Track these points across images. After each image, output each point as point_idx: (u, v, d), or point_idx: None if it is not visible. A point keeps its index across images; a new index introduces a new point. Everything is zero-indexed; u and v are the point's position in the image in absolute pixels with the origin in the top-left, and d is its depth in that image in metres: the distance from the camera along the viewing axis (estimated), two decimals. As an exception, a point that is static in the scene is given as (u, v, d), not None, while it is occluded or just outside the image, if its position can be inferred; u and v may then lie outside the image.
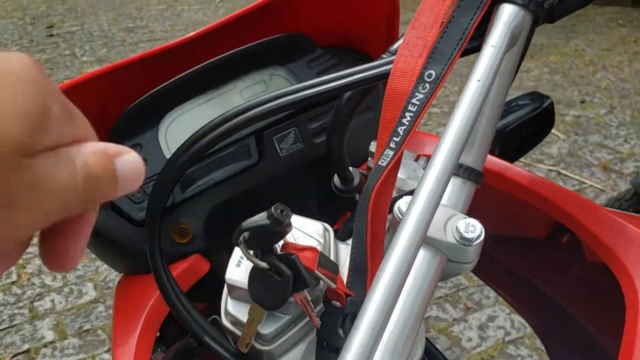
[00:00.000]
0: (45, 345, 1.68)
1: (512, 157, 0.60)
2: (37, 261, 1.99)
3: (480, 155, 0.42)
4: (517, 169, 0.53)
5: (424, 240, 0.32)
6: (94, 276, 1.93)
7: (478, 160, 0.41)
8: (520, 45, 0.44)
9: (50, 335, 1.70)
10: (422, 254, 0.35)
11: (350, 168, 0.51)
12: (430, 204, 0.31)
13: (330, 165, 0.49)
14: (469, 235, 0.36)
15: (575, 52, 3.66)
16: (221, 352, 0.41)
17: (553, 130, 2.71)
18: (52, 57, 3.93)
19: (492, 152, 0.51)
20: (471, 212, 0.52)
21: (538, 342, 1.62)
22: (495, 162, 0.54)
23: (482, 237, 0.36)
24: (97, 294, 1.86)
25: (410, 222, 0.30)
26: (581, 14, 4.43)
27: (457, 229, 0.37)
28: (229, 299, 0.39)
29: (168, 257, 0.43)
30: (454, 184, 0.40)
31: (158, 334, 0.49)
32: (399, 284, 0.29)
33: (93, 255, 1.98)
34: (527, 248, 0.58)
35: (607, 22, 4.26)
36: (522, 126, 0.58)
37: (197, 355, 0.47)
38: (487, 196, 0.50)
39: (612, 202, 1.47)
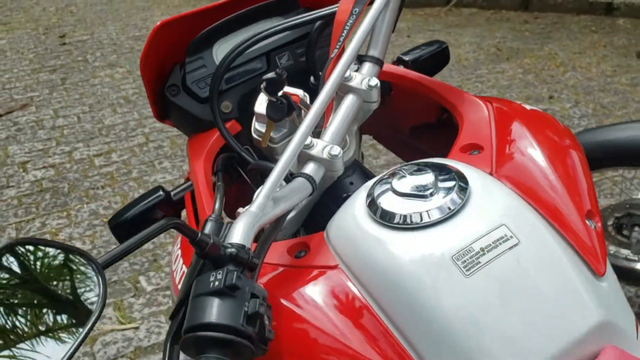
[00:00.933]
0: (80, 293, 1.97)
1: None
2: (68, 230, 2.29)
3: (381, 50, 0.70)
4: (417, 74, 0.82)
5: (343, 87, 0.63)
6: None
7: (380, 52, 0.71)
8: None
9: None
10: (350, 97, 0.65)
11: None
12: (346, 65, 0.62)
13: (307, 69, 0.79)
14: (373, 84, 0.65)
15: (548, 55, 3.99)
16: (248, 155, 0.70)
17: (521, 120, 3.04)
18: (67, 63, 4.24)
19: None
20: (394, 111, 0.83)
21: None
22: (406, 71, 0.84)
23: (378, 84, 0.66)
24: (122, 254, 2.16)
25: (335, 73, 0.61)
26: (558, 22, 4.78)
27: (368, 83, 0.66)
28: (256, 122, 0.69)
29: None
30: (366, 65, 0.69)
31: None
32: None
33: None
34: (426, 130, 0.88)
35: (581, 29, 4.59)
36: (428, 58, 0.89)
37: (236, 163, 0.76)
38: (402, 99, 0.81)
39: None
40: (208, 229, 0.54)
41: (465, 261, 0.49)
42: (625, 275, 1.88)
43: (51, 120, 3.38)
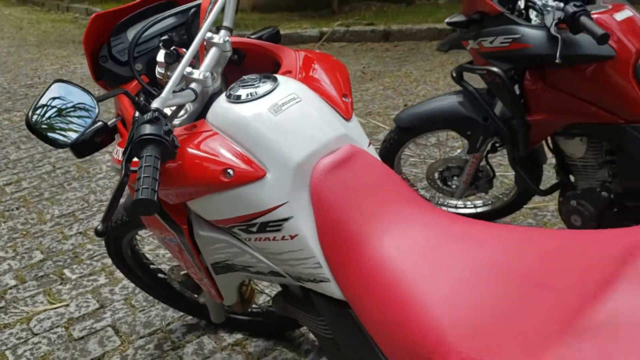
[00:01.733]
0: (10, 288, 2.26)
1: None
2: (-9, 241, 2.55)
3: (230, 22, 1.16)
4: (258, 41, 1.30)
5: (209, 44, 1.10)
6: (40, 246, 2.52)
7: (229, 23, 1.16)
8: None
9: (12, 282, 2.28)
10: (213, 48, 1.11)
11: None
12: (206, 29, 1.08)
13: (188, 40, 1.25)
14: (226, 40, 1.13)
15: (404, 74, 4.71)
16: (152, 89, 1.16)
17: (380, 123, 3.65)
18: (-38, 111, 4.41)
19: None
20: (249, 69, 1.31)
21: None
22: (252, 40, 1.32)
23: (229, 39, 1.13)
24: (44, 256, 2.46)
25: (200, 33, 1.08)
26: (414, 48, 5.59)
27: (223, 39, 1.13)
28: (158, 67, 1.11)
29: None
30: (222, 31, 1.12)
31: None
32: None
33: (37, 235, 2.57)
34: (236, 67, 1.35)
35: (432, 52, 5.39)
36: (265, 37, 1.38)
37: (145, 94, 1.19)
38: (251, 59, 1.29)
39: (383, 143, 2.33)
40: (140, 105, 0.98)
41: (275, 109, 0.96)
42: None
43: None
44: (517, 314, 0.74)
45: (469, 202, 2.46)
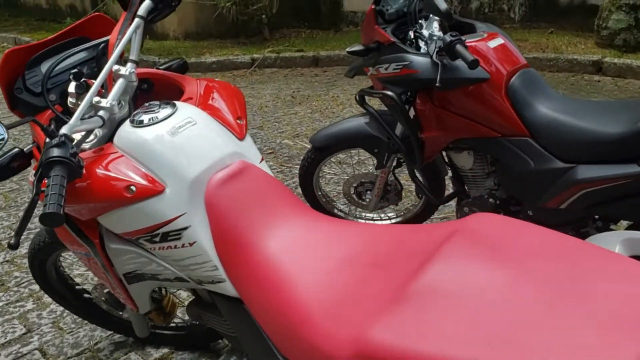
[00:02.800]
0: None
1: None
2: None
3: (135, 55, 1.31)
4: (165, 72, 1.45)
5: (117, 75, 1.24)
6: (-35, 276, 2.53)
7: (135, 56, 1.30)
8: (142, 29, 1.33)
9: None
10: (120, 79, 1.25)
11: None
12: (112, 62, 1.22)
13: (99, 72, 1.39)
14: (131, 71, 1.28)
15: (332, 98, 4.93)
16: (64, 117, 1.27)
17: (307, 145, 3.83)
18: None
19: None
20: (158, 96, 1.45)
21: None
22: (159, 71, 1.46)
23: (134, 71, 1.28)
24: None
25: (106, 67, 1.22)
26: (341, 73, 5.84)
27: (129, 70, 1.28)
28: (69, 97, 1.23)
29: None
30: (128, 63, 1.27)
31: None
32: None
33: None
34: (145, 95, 1.51)
35: (358, 76, 5.65)
36: (173, 68, 1.52)
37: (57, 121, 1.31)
38: (159, 87, 1.43)
39: (301, 163, 2.50)
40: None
41: (172, 132, 1.10)
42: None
43: None
44: (362, 291, 0.91)
45: (383, 214, 2.65)
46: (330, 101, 4.84)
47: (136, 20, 1.29)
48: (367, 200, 2.50)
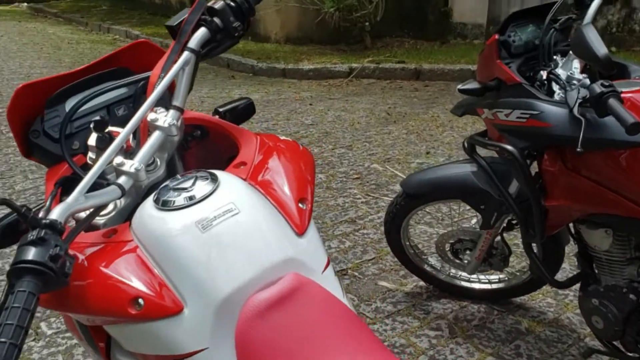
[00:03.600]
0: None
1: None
2: (-27, 284, 2.42)
3: (181, 101, 1.00)
4: (218, 120, 1.12)
5: (152, 126, 0.93)
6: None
7: (180, 102, 1.00)
8: (192, 65, 1.02)
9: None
10: (156, 132, 0.95)
11: None
12: (145, 109, 0.91)
13: None
14: (171, 123, 0.95)
15: (431, 118, 4.50)
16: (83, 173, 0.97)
17: (398, 172, 3.44)
18: (-20, 134, 4.37)
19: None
20: (215, 146, 1.13)
21: (361, 309, 2.21)
22: (211, 118, 1.14)
23: (176, 123, 0.94)
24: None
25: (137, 115, 0.91)
26: (444, 89, 5.38)
27: (168, 122, 0.95)
28: (89, 152, 0.95)
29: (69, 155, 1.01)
30: (170, 111, 0.97)
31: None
32: None
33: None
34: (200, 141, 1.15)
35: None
36: (235, 110, 1.20)
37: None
38: (216, 138, 1.11)
39: (388, 208, 2.13)
40: (42, 213, 0.81)
41: (203, 224, 0.78)
42: (463, 294, 2.23)
43: (-38, 187, 3.51)
44: None
45: (482, 277, 2.23)
46: (429, 121, 4.42)
47: (185, 53, 0.98)
48: (465, 261, 2.09)
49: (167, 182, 0.87)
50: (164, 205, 0.82)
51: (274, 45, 7.16)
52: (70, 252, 0.80)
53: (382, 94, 5.32)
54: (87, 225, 0.82)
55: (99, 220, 0.91)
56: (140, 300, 0.76)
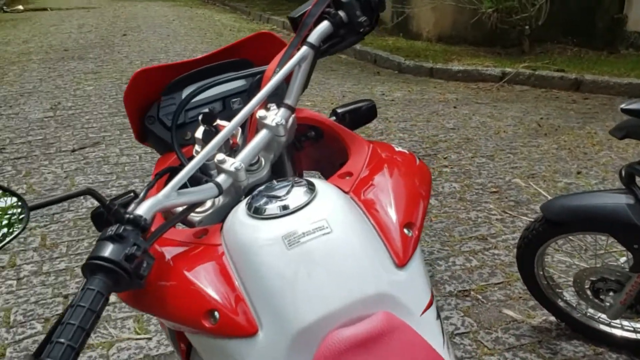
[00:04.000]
0: (108, 304, 2.24)
1: (351, 128, 1.12)
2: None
3: (293, 99, 0.92)
4: (330, 121, 1.03)
5: (261, 124, 0.86)
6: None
7: (292, 101, 0.92)
8: (309, 61, 0.94)
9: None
10: (263, 131, 0.88)
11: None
12: (253, 105, 0.84)
13: None
14: (279, 122, 0.87)
15: (587, 134, 4.09)
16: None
17: (542, 190, 3.15)
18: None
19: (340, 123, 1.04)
20: (329, 150, 1.05)
21: (480, 337, 2.04)
22: (324, 119, 1.05)
23: (284, 122, 0.88)
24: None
25: (244, 110, 0.84)
26: (606, 104, 4.87)
27: (276, 121, 0.88)
28: (196, 145, 0.92)
29: (180, 145, 0.98)
30: (280, 109, 0.90)
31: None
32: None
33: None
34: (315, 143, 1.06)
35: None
36: (356, 113, 1.10)
37: None
38: (330, 141, 1.03)
39: (524, 232, 1.92)
40: (132, 206, 0.78)
41: (290, 240, 0.70)
42: (601, 338, 1.96)
43: (116, 157, 3.80)
44: None
45: (626, 323, 1.94)
46: (584, 138, 4.01)
47: (303, 48, 0.91)
48: (608, 303, 1.83)
49: (261, 187, 0.80)
50: (255, 212, 0.75)
51: (424, 43, 6.97)
52: (157, 248, 0.76)
53: (534, 103, 4.94)
54: (177, 222, 0.78)
55: (195, 217, 0.87)
56: (216, 314, 0.70)
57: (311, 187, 0.77)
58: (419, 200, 0.82)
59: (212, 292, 0.71)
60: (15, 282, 2.46)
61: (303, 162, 1.14)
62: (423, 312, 0.72)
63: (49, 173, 3.58)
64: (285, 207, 0.74)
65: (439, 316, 0.75)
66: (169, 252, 0.78)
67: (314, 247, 0.70)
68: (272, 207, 0.74)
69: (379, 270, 0.71)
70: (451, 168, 3.52)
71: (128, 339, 2.09)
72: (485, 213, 2.94)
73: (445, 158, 3.69)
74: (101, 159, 3.78)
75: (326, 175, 1.14)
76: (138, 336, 2.10)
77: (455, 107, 4.79)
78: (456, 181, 3.33)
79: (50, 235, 2.82)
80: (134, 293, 0.75)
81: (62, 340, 0.59)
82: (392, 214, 0.78)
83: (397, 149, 0.92)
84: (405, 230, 0.77)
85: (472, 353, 1.97)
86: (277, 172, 1.00)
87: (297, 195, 0.76)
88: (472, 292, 2.30)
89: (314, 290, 0.68)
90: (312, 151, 1.11)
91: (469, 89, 5.42)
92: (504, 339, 2.03)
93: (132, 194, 0.90)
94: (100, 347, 2.05)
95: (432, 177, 3.38)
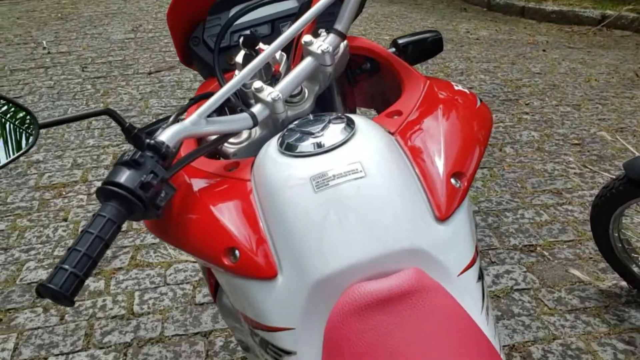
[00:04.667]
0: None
1: (412, 61, 1.02)
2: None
3: (344, 25, 0.83)
4: (387, 53, 0.94)
5: (306, 51, 0.78)
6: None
7: (343, 27, 0.84)
8: None
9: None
10: (308, 58, 0.80)
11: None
12: (295, 30, 0.76)
13: None
14: (325, 50, 0.79)
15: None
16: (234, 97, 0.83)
17: (629, 146, 2.90)
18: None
19: (399, 56, 0.94)
20: (385, 86, 0.96)
21: (541, 295, 1.94)
22: (382, 50, 0.95)
23: (330, 50, 0.79)
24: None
25: (283, 35, 0.77)
26: None
27: (322, 49, 0.80)
28: (236, 70, 0.86)
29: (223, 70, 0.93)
30: (329, 36, 0.82)
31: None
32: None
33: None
34: (370, 77, 0.99)
35: None
36: (419, 44, 1.00)
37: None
38: (387, 76, 0.94)
39: (603, 189, 1.76)
40: (158, 132, 0.73)
41: (318, 182, 0.63)
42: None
43: (189, 82, 3.82)
44: None
45: None
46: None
47: None
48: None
49: (297, 122, 0.73)
50: (287, 148, 0.69)
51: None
52: (185, 178, 0.72)
53: (635, 50, 4.51)
54: (203, 154, 0.73)
55: (230, 148, 0.82)
56: (237, 252, 0.66)
57: (350, 125, 0.69)
58: (474, 148, 0.72)
59: (234, 230, 0.67)
60: (85, 197, 2.56)
61: (357, 98, 1.06)
62: (462, 273, 0.64)
63: (125, 94, 3.66)
64: (318, 145, 0.67)
65: (481, 278, 0.68)
66: (196, 183, 0.74)
67: (344, 191, 0.63)
68: (305, 145, 0.68)
69: (415, 222, 0.64)
70: (532, 115, 3.30)
71: (186, 260, 2.14)
72: (563, 166, 2.76)
73: (527, 104, 3.46)
74: (175, 84, 3.81)
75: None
76: (194, 259, 2.14)
77: (544, 51, 4.46)
78: (536, 130, 3.13)
79: (121, 155, 2.90)
80: (156, 221, 0.72)
81: (66, 266, 0.56)
82: (439, 161, 0.69)
83: (456, 88, 0.82)
84: (453, 181, 0.68)
85: (530, 311, 1.88)
86: (325, 107, 0.93)
87: (333, 132, 0.69)
88: (538, 248, 2.18)
89: (339, 238, 0.62)
90: (367, 86, 1.02)
91: (562, 32, 5.02)
92: (567, 299, 1.92)
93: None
94: (159, 266, 2.11)
95: (511, 124, 3.19)
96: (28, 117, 0.70)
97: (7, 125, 0.69)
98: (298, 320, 0.62)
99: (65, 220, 2.40)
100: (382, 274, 0.61)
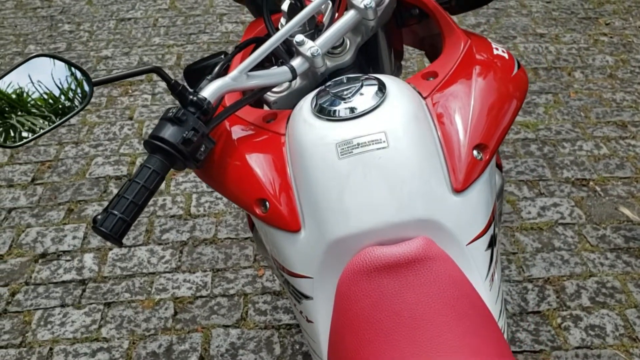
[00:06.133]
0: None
1: (463, 8, 0.99)
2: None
3: None
4: (435, 5, 0.91)
5: (350, 4, 0.79)
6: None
7: None
8: None
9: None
10: (350, 12, 0.81)
11: None
12: None
13: None
14: (367, 4, 0.79)
15: None
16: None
17: None
18: None
19: (449, 3, 0.92)
20: (432, 34, 0.95)
21: (585, 231, 1.94)
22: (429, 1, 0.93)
23: (373, 5, 0.80)
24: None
25: None
26: None
27: (364, 3, 0.79)
28: (282, 18, 0.86)
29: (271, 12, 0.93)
30: None
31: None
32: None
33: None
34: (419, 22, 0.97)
35: None
36: None
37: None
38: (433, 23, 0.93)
39: None
40: (202, 83, 0.77)
41: (343, 149, 0.67)
42: None
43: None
44: None
45: None
46: None
47: None
48: None
49: (330, 83, 0.76)
50: (318, 111, 0.72)
51: None
52: (226, 126, 0.78)
53: None
54: (242, 107, 0.77)
55: (271, 96, 0.86)
56: (267, 204, 0.72)
57: (382, 89, 0.71)
58: (502, 119, 0.74)
59: (266, 183, 0.72)
60: (150, 97, 2.67)
61: (406, 37, 1.05)
62: (471, 242, 0.68)
63: (191, -10, 3.65)
64: (349, 110, 0.70)
65: (491, 245, 0.71)
66: (236, 132, 0.79)
67: (365, 160, 0.67)
68: (335, 109, 0.71)
69: (431, 193, 0.67)
70: (610, 37, 3.10)
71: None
72: (635, 96, 2.63)
73: (607, 24, 3.24)
74: (241, -19, 3.77)
75: (430, 58, 1.05)
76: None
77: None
78: (611, 54, 2.95)
79: (184, 56, 2.96)
80: (210, 165, 0.78)
81: (115, 212, 0.64)
82: (464, 132, 0.71)
83: (496, 51, 0.81)
84: (475, 152, 0.70)
85: (571, 246, 1.90)
86: (369, 54, 0.94)
87: (364, 97, 0.71)
88: (590, 183, 2.15)
89: (355, 205, 0.66)
90: (417, 28, 1.01)
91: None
92: (612, 238, 1.92)
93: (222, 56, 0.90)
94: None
95: (585, 46, 3.02)
96: (83, 76, 0.75)
97: (64, 85, 0.75)
98: (316, 271, 0.69)
99: (130, 119, 2.53)
100: (394, 240, 0.66)
